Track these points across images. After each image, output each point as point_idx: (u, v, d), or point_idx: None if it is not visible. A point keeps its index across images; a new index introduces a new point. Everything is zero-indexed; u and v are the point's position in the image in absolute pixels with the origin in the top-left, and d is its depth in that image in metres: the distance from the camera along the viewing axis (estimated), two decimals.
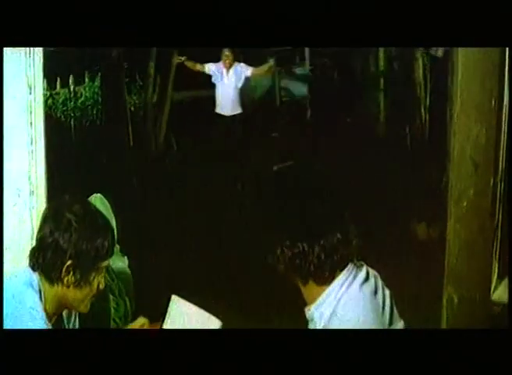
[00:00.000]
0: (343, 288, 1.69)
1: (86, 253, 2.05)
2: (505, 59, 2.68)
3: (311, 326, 1.77)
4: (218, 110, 9.03)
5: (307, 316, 1.75)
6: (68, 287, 2.09)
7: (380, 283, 1.77)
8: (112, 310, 3.14)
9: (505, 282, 2.91)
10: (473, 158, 2.75)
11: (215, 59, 9.14)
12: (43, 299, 2.09)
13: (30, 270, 2.12)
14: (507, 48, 2.64)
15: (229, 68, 8.87)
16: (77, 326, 2.34)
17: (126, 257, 3.47)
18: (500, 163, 2.79)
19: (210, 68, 9.01)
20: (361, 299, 1.69)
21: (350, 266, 1.71)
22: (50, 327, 2.08)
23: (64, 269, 2.06)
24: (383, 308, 1.72)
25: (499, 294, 2.87)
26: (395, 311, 1.76)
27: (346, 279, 1.70)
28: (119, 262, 3.36)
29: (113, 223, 3.38)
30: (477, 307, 2.84)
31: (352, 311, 1.66)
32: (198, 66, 9.04)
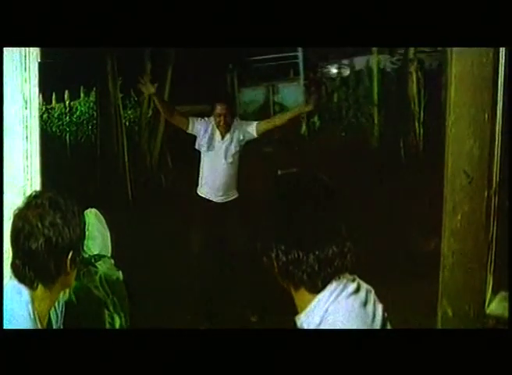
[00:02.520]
0: (332, 298, 1.70)
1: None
2: (498, 73, 2.70)
3: None
4: (202, 192, 5.77)
5: (298, 324, 1.76)
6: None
7: (372, 297, 1.77)
8: (108, 325, 3.13)
9: (499, 296, 2.91)
10: (467, 172, 2.76)
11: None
12: (32, 302, 2.08)
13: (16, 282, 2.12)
14: (504, 49, 2.64)
15: (225, 132, 5.62)
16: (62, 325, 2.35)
17: (120, 271, 3.46)
18: (494, 176, 2.80)
19: (197, 127, 5.70)
20: (350, 310, 1.69)
21: (341, 278, 1.72)
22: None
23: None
24: (373, 321, 1.73)
25: (494, 307, 2.87)
26: (388, 325, 1.77)
27: (336, 289, 1.71)
28: (114, 277, 3.35)
29: (108, 237, 3.38)
30: (471, 321, 2.84)
31: (340, 321, 1.67)
32: (177, 118, 5.71)
